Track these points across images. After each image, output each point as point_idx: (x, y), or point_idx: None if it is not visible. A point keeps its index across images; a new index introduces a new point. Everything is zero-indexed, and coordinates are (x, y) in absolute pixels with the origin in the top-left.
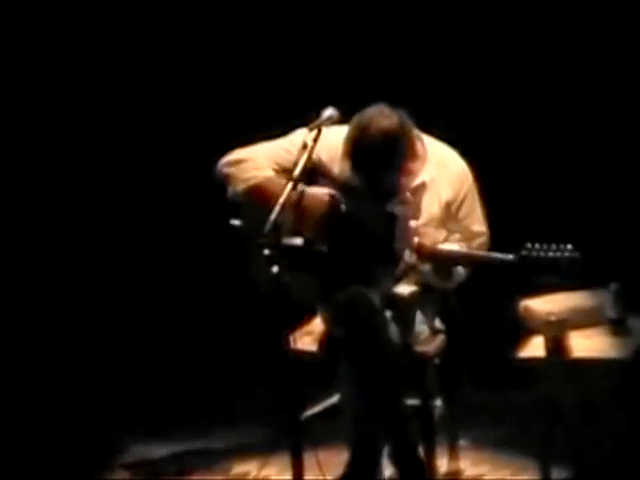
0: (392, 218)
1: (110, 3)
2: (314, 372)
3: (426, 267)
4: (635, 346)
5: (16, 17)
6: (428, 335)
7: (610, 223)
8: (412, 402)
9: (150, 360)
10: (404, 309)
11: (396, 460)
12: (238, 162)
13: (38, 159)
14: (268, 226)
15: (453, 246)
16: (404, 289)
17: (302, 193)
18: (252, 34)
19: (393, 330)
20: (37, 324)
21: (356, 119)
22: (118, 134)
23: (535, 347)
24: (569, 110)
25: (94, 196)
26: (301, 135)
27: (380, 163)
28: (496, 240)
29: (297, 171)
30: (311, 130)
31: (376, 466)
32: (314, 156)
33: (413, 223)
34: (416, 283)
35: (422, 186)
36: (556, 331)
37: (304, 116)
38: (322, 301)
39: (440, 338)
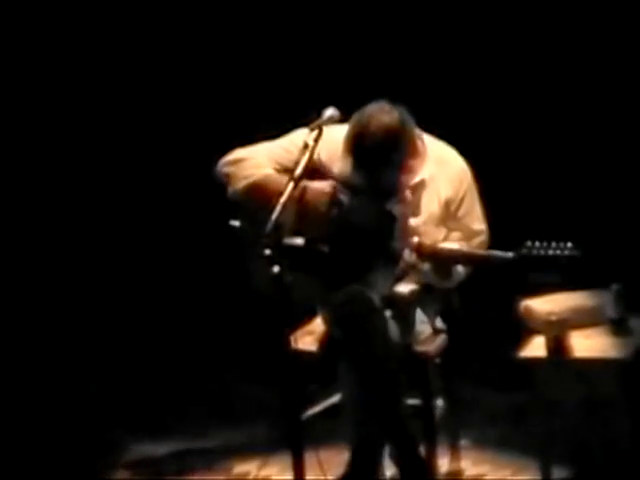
0: (392, 217)
1: (110, 3)
2: (315, 372)
3: (426, 266)
4: (635, 346)
5: (16, 17)
6: (429, 335)
7: (611, 223)
8: (413, 402)
9: (151, 359)
10: (404, 308)
11: (397, 460)
12: (238, 161)
13: (38, 159)
14: (269, 226)
15: (453, 245)
16: (404, 288)
17: (304, 188)
18: (253, 34)
19: (393, 329)
20: (38, 324)
21: (356, 116)
22: (118, 135)
23: (536, 347)
24: (571, 108)
25: (94, 196)
26: (302, 135)
27: (381, 159)
28: (496, 239)
29: (298, 171)
30: (312, 130)
31: (377, 466)
32: (314, 156)
33: (413, 222)
34: (417, 282)
35: (421, 184)
36: (557, 331)
37: (305, 116)
38: (322, 301)
39: (441, 338)
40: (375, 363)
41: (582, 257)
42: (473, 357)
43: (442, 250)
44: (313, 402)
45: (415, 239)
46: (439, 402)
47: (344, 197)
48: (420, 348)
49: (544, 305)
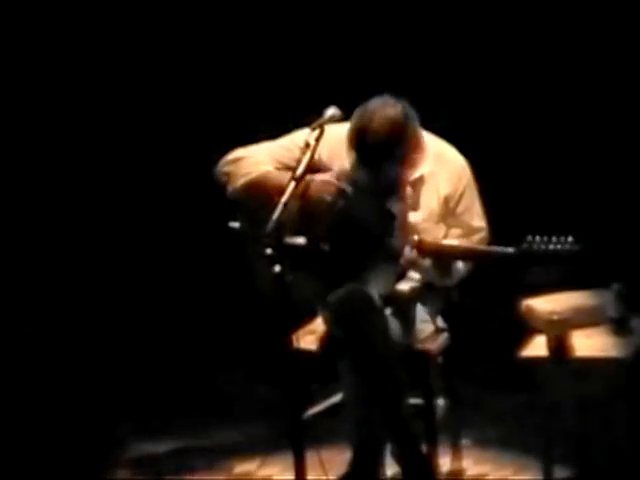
0: (391, 215)
1: (110, 3)
2: (317, 371)
3: (426, 262)
4: (637, 345)
5: (16, 17)
6: (431, 333)
7: (612, 223)
8: (414, 401)
9: (152, 358)
10: (404, 306)
11: (399, 458)
12: (237, 160)
13: (38, 160)
14: (271, 225)
15: (453, 242)
16: (404, 285)
17: (308, 182)
18: (253, 35)
19: (394, 328)
20: (40, 322)
21: (360, 110)
22: (118, 136)
23: (537, 346)
24: (573, 106)
25: (95, 197)
26: (303, 135)
27: (385, 153)
28: (496, 237)
29: (300, 170)
30: (314, 129)
31: (379, 465)
32: (315, 155)
33: (412, 219)
34: (419, 281)
35: (420, 180)
36: (558, 330)
37: (306, 116)
38: (322, 300)
39: (443, 336)
40: (375, 362)
41: (583, 252)
42: (474, 357)
43: (442, 246)
44: (314, 401)
45: (415, 236)
46: (440, 401)
47: (348, 188)
48: (422, 346)
49: (545, 305)
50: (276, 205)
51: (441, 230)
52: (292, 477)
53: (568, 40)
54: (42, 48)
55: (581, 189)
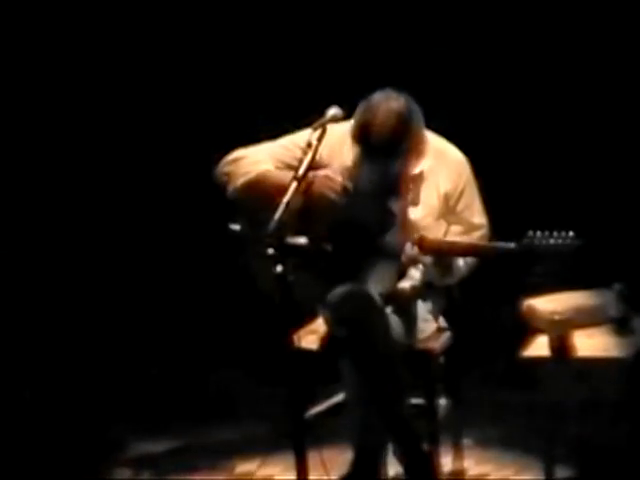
0: (392, 213)
1: (110, 3)
2: (319, 370)
3: (427, 259)
4: (638, 345)
5: (16, 17)
6: (433, 332)
7: (614, 223)
8: (416, 401)
9: (152, 358)
10: (405, 304)
11: (401, 457)
12: (237, 160)
13: (38, 161)
14: (272, 225)
15: (454, 239)
16: (405, 284)
17: (312, 179)
18: (254, 35)
19: (395, 326)
20: (37, 322)
21: (363, 104)
22: (118, 138)
23: (539, 346)
24: (574, 104)
25: (94, 198)
26: (303, 135)
27: (391, 145)
28: (496, 235)
29: (301, 170)
30: (315, 129)
31: (380, 465)
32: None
33: (413, 216)
34: (420, 279)
35: (420, 176)
36: (560, 330)
37: (307, 116)
38: (323, 300)
39: (446, 335)
40: (377, 361)
41: (584, 249)
42: (476, 356)
43: (443, 243)
44: (316, 401)
45: (416, 234)
46: (442, 401)
47: (349, 185)
48: (424, 345)
49: (547, 305)
50: (277, 204)
51: (441, 227)
52: (293, 477)
53: (564, 34)
54: (42, 48)
55: (582, 188)
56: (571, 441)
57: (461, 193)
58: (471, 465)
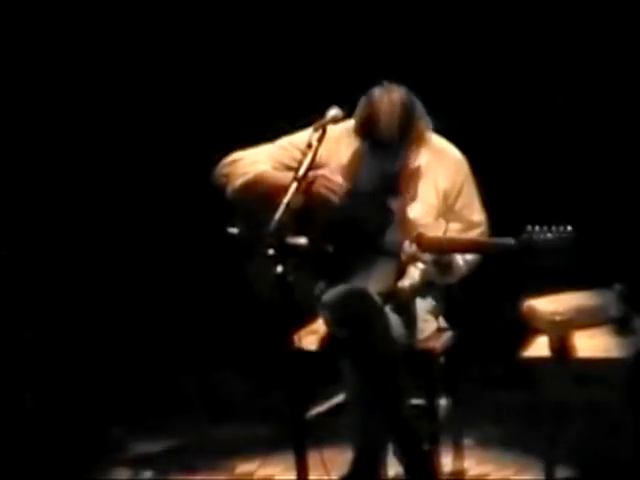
0: (391, 211)
1: (110, 3)
2: (319, 371)
3: (427, 257)
4: (639, 346)
5: (16, 17)
6: (434, 331)
7: (614, 223)
8: (417, 401)
9: (152, 357)
10: (404, 303)
11: (402, 457)
12: (235, 161)
13: (38, 162)
14: (273, 225)
15: (452, 235)
16: (404, 282)
17: (311, 180)
18: (254, 36)
19: (395, 326)
20: (37, 323)
21: (364, 99)
22: (118, 139)
23: (540, 347)
24: (574, 103)
25: (94, 199)
26: (302, 136)
27: (397, 134)
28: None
29: (302, 171)
30: (316, 130)
31: (381, 465)
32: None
33: (412, 215)
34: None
35: (417, 171)
36: (561, 331)
37: (307, 116)
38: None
39: (447, 335)
40: (377, 361)
41: (582, 243)
42: (477, 357)
43: (442, 240)
44: (316, 401)
45: (415, 232)
46: (443, 401)
47: (348, 184)
48: (424, 345)
49: (548, 305)
50: (276, 205)
51: (441, 225)
52: (294, 477)
53: (561, 33)
54: (42, 48)
55: (583, 188)
56: (571, 441)
57: (459, 191)
58: (471, 465)
